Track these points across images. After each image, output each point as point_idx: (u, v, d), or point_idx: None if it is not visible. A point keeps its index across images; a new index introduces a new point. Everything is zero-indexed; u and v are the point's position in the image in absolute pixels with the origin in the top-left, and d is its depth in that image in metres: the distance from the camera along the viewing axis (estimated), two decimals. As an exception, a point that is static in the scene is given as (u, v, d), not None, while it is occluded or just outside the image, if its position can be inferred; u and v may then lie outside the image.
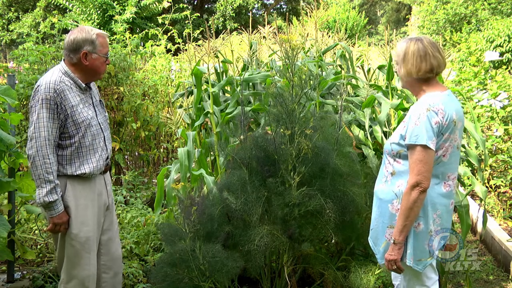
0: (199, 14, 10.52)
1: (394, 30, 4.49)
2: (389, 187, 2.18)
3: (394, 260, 2.11)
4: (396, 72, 2.28)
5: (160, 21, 10.38)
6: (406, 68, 2.13)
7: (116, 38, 6.10)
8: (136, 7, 13.43)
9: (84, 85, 2.41)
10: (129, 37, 6.17)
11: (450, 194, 2.16)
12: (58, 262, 2.47)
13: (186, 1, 22.57)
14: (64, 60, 2.42)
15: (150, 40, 6.82)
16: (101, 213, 2.50)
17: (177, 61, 7.09)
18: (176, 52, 7.53)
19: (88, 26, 2.46)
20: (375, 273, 2.82)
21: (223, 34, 4.12)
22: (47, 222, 2.39)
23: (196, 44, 5.83)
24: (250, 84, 3.80)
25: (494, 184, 4.82)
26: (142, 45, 6.82)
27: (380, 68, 3.81)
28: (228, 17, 20.76)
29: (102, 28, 13.22)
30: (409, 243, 2.11)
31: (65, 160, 2.34)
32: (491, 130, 5.28)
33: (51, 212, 2.28)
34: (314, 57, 3.90)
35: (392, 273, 2.38)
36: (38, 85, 2.31)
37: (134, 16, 13.16)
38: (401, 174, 2.13)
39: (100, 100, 2.58)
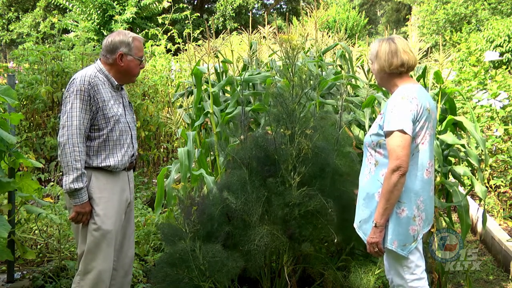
0: (199, 14, 10.53)
1: (394, 30, 4.49)
2: (374, 177, 2.25)
3: (375, 242, 2.19)
4: (372, 71, 2.40)
5: (160, 21, 10.39)
6: (379, 64, 2.27)
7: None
8: (136, 7, 13.43)
9: (116, 83, 2.52)
10: (129, 37, 6.16)
11: (430, 180, 2.27)
12: (78, 253, 2.49)
13: (186, 1, 22.56)
14: (100, 59, 2.54)
15: (150, 40, 6.83)
16: (123, 208, 2.54)
17: (177, 61, 7.09)
18: (176, 52, 7.54)
19: (126, 31, 2.59)
20: (375, 273, 2.82)
21: (223, 34, 4.11)
22: (70, 212, 2.42)
23: (196, 44, 5.83)
24: (250, 84, 3.80)
25: (494, 184, 4.82)
26: (142, 45, 6.80)
27: (380, 68, 3.80)
28: (228, 17, 20.76)
29: (102, 28, 13.23)
30: (391, 228, 2.18)
31: (92, 151, 2.42)
32: (491, 130, 5.28)
33: (75, 200, 2.33)
34: (314, 57, 3.90)
35: (386, 267, 2.41)
36: (74, 78, 2.42)
37: (134, 16, 13.17)
38: (384, 164, 2.21)
39: (129, 102, 2.68)
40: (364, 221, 2.28)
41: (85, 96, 2.36)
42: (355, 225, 2.36)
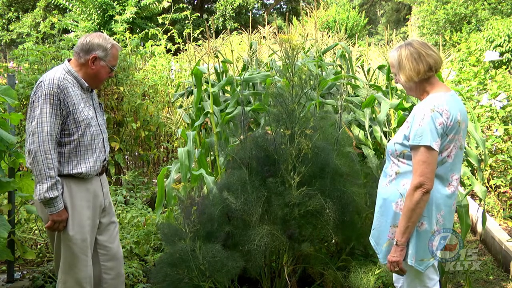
0: (199, 14, 10.53)
1: (394, 30, 4.50)
2: (394, 186, 2.17)
3: (396, 261, 2.10)
4: (396, 82, 2.26)
5: (160, 21, 10.39)
6: (405, 74, 2.13)
7: (116, 38, 6.10)
8: (136, 7, 13.43)
9: (86, 85, 2.43)
10: (129, 37, 6.17)
11: (453, 195, 2.16)
12: (55, 261, 2.47)
13: (186, 1, 22.56)
14: (69, 60, 2.45)
15: (150, 40, 6.82)
16: (97, 214, 2.49)
17: (177, 61, 7.09)
18: (176, 52, 7.53)
19: (107, 35, 2.50)
20: (375, 273, 2.82)
21: (223, 34, 4.12)
22: (43, 221, 2.38)
23: (196, 44, 5.83)
24: (250, 84, 3.81)
25: (494, 184, 4.82)
26: (142, 45, 6.82)
27: (380, 68, 3.81)
28: (228, 17, 20.76)
29: (102, 28, 13.23)
30: (411, 243, 2.11)
31: (63, 158, 2.34)
32: (491, 130, 5.28)
33: (51, 209, 2.26)
34: (314, 57, 3.90)
35: (394, 275, 2.37)
36: (41, 81, 2.31)
37: (134, 16, 13.16)
38: (406, 174, 2.12)
39: (99, 103, 2.60)
40: (377, 229, 2.23)
41: (54, 100, 2.26)
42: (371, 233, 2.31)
